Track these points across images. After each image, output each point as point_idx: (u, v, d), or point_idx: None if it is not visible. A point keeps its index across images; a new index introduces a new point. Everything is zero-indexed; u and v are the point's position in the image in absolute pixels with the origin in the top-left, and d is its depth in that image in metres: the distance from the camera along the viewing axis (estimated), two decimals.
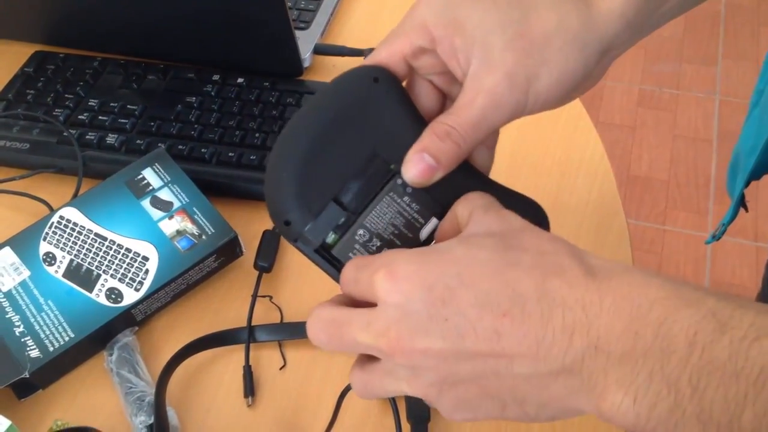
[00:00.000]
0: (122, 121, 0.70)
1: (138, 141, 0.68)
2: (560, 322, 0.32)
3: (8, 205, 0.66)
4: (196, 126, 0.69)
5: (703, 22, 2.13)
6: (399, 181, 0.39)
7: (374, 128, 0.39)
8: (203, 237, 0.60)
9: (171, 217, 0.61)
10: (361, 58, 0.76)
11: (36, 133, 0.69)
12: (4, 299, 0.57)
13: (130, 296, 0.57)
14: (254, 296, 0.60)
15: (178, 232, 0.60)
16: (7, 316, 0.56)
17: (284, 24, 0.69)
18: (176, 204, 0.62)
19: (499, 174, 0.69)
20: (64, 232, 0.60)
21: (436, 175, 0.38)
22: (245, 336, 0.58)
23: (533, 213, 0.42)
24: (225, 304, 0.61)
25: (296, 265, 0.63)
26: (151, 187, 0.63)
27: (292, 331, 0.58)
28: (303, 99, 0.71)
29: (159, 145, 0.67)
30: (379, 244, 0.39)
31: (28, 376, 0.54)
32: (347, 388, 0.52)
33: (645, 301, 0.32)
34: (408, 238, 0.39)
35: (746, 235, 1.64)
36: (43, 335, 0.55)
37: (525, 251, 0.34)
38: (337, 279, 0.39)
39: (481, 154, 0.43)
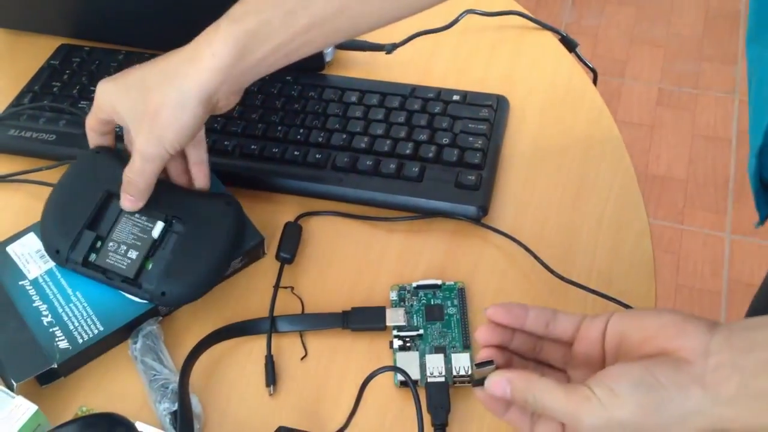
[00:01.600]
0: None
1: None
2: None
3: (35, 195, 0.67)
4: (218, 118, 0.70)
5: (723, 21, 2.11)
6: None
7: (104, 178, 0.59)
8: None
9: None
10: (383, 52, 0.77)
11: (62, 125, 0.70)
12: (31, 287, 0.58)
13: None
14: (276, 287, 0.60)
15: None
16: (34, 305, 0.57)
17: None
18: None
19: (520, 169, 0.69)
20: None
21: (139, 205, 0.58)
22: (267, 326, 0.58)
23: (229, 206, 0.60)
24: (247, 295, 0.61)
25: (317, 257, 0.63)
26: None
27: (313, 322, 0.59)
28: (324, 93, 0.72)
29: None
30: (124, 248, 0.58)
31: (56, 366, 0.54)
32: (369, 377, 0.52)
33: None
34: (144, 238, 0.58)
35: (765, 236, 1.63)
36: (72, 327, 0.56)
37: None
38: (100, 280, 0.58)
39: (178, 166, 0.62)
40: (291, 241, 0.63)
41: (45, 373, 0.55)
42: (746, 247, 1.61)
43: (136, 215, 0.59)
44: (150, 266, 0.57)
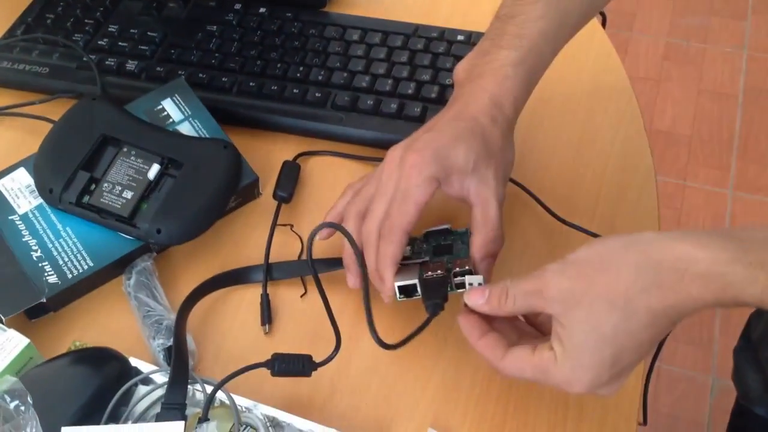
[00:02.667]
0: (142, 47, 0.69)
1: (158, 68, 0.67)
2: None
3: (27, 129, 0.65)
4: (216, 55, 0.68)
5: None
6: (125, 149, 0.58)
7: (101, 123, 0.59)
8: None
9: None
10: None
11: (56, 58, 0.68)
12: (20, 222, 0.57)
13: None
14: (273, 226, 0.59)
15: None
16: (23, 240, 0.56)
17: None
18: None
19: (524, 111, 0.68)
20: None
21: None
22: (270, 274, 0.57)
23: (225, 149, 0.60)
24: (245, 235, 0.60)
25: (316, 197, 0.62)
26: (171, 120, 0.62)
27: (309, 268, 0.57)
28: (326, 31, 0.70)
29: (179, 73, 0.66)
30: (119, 188, 0.57)
31: (45, 300, 0.54)
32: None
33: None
34: (139, 179, 0.57)
35: (767, 192, 1.62)
36: (61, 261, 0.55)
37: (615, 304, 0.42)
38: (93, 220, 0.57)
39: None
40: (289, 180, 0.62)
41: (34, 307, 0.54)
42: (748, 204, 1.60)
43: (132, 158, 0.58)
44: (145, 207, 0.57)
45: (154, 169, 0.58)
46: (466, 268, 0.50)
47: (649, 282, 0.41)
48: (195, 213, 0.57)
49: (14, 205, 0.58)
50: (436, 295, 0.50)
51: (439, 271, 0.51)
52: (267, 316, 0.55)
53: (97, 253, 0.56)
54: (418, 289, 0.50)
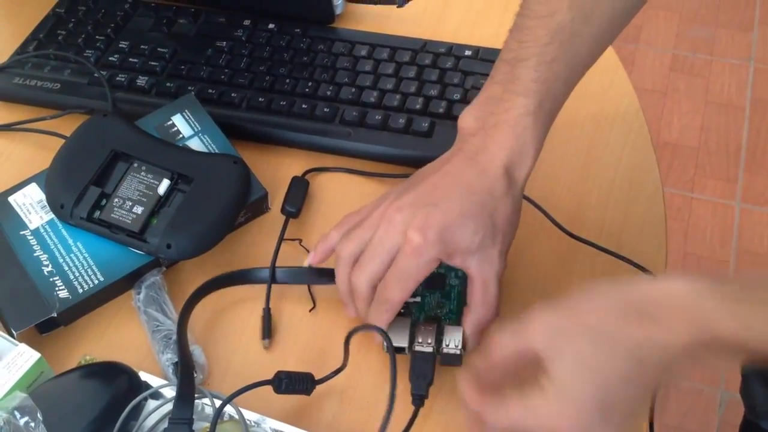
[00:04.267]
0: (153, 63, 0.69)
1: (168, 84, 0.68)
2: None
3: (39, 144, 0.66)
4: (226, 70, 0.69)
5: None
6: (135, 164, 0.59)
7: (112, 139, 0.60)
8: None
9: None
10: (394, 6, 0.75)
11: (67, 74, 0.69)
12: (32, 237, 0.57)
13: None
14: (280, 240, 0.60)
15: None
16: (35, 254, 0.57)
17: None
18: None
19: None
20: None
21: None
22: (265, 275, 0.57)
23: (235, 164, 0.60)
24: (253, 249, 0.61)
25: (324, 212, 0.63)
26: (181, 135, 0.63)
27: (314, 277, 0.57)
28: (334, 46, 0.70)
29: (189, 89, 0.67)
30: (130, 203, 0.57)
31: (56, 315, 0.54)
32: (351, 333, 0.51)
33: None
34: (149, 194, 0.58)
35: None
36: (72, 277, 0.56)
37: (601, 334, 0.41)
38: (104, 235, 0.57)
39: None
40: (297, 195, 0.62)
41: (45, 321, 0.54)
42: (756, 217, 1.60)
43: (142, 174, 0.59)
44: (155, 222, 0.57)
45: (164, 185, 0.58)
46: (456, 350, 0.52)
47: (631, 311, 0.41)
48: (204, 228, 0.57)
49: (26, 221, 0.58)
50: (423, 372, 0.51)
51: (429, 341, 0.52)
52: (267, 330, 0.56)
53: (107, 268, 0.56)
54: (406, 351, 0.52)
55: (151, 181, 0.59)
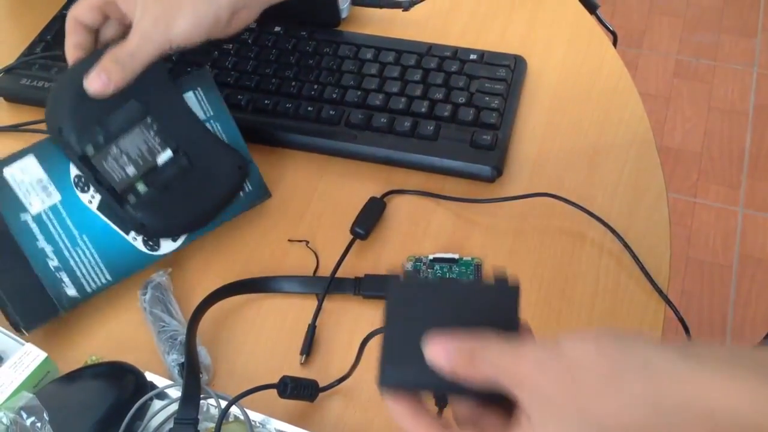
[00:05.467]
0: None
1: None
2: None
3: None
4: (232, 73, 0.69)
5: None
6: (149, 120, 0.55)
7: (139, 83, 0.53)
8: (240, 194, 0.60)
9: None
10: (400, 9, 0.75)
11: None
12: (34, 224, 0.54)
13: (167, 246, 0.58)
14: (342, 257, 0.58)
15: None
16: (38, 245, 0.53)
17: None
18: None
19: (536, 131, 0.68)
20: None
21: (109, 89, 0.51)
22: (277, 285, 0.58)
23: (239, 169, 0.59)
24: (259, 248, 0.61)
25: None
26: None
27: (326, 286, 0.58)
28: (340, 49, 0.71)
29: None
30: (125, 159, 0.54)
31: (63, 315, 0.54)
32: (369, 336, 0.51)
33: None
34: (147, 159, 0.55)
35: None
36: (79, 274, 0.55)
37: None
38: (87, 177, 0.54)
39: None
40: (370, 216, 0.61)
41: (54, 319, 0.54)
42: (759, 222, 1.60)
43: (152, 133, 0.55)
44: (140, 187, 0.55)
45: (165, 155, 0.56)
46: None
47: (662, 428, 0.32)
48: (183, 218, 0.57)
49: (26, 203, 0.54)
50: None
51: None
52: (308, 345, 0.55)
53: (115, 267, 0.56)
54: None
55: (155, 145, 0.55)
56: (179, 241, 0.58)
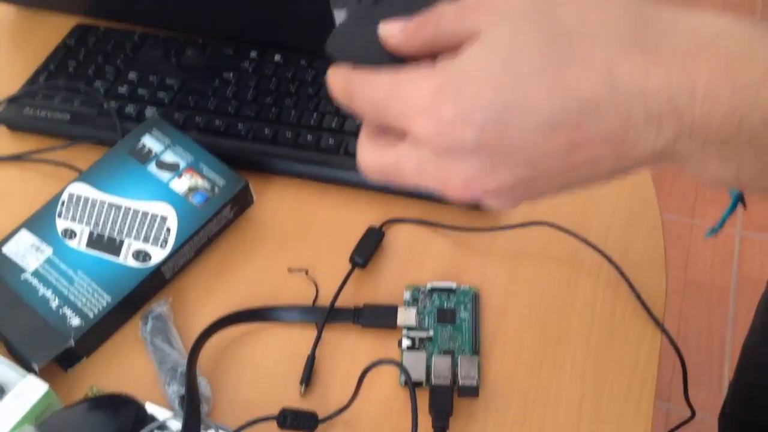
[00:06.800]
0: (161, 94, 0.71)
1: (176, 115, 0.69)
2: (642, 115, 0.28)
3: (48, 174, 0.67)
4: (233, 102, 0.70)
5: (740, 13, 2.10)
6: None
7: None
8: (216, 189, 0.61)
9: (180, 176, 0.62)
10: None
11: (77, 105, 0.70)
12: (33, 278, 0.58)
13: (158, 254, 0.59)
14: (341, 286, 0.59)
15: (190, 189, 0.61)
16: (39, 295, 0.57)
17: (323, 2, 0.69)
18: (182, 164, 0.63)
19: None
20: (78, 206, 0.61)
21: None
22: (278, 315, 0.58)
23: None
24: (259, 277, 0.61)
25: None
26: (153, 152, 0.64)
27: (325, 315, 0.58)
28: None
29: (196, 120, 0.68)
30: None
31: (73, 344, 0.55)
32: (369, 367, 0.52)
33: (750, 83, 0.27)
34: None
35: None
36: (80, 304, 0.56)
37: (570, 36, 0.29)
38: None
39: None
40: (369, 245, 0.62)
41: (66, 355, 0.55)
42: (756, 244, 1.61)
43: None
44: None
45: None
46: (473, 382, 0.53)
47: (639, 32, 0.29)
48: None
49: (23, 265, 0.59)
50: (443, 404, 0.52)
51: (446, 374, 0.53)
52: (308, 376, 0.55)
53: (112, 287, 0.57)
54: (423, 385, 0.54)
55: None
56: (168, 249, 0.59)
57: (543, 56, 0.29)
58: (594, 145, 0.29)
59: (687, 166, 0.30)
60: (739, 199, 0.65)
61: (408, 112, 0.31)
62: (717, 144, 0.28)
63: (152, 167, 0.63)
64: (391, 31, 0.33)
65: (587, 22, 0.29)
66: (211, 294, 0.60)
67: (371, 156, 0.35)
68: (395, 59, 0.34)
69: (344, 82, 0.35)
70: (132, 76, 0.72)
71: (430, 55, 0.32)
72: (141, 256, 0.59)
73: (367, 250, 0.61)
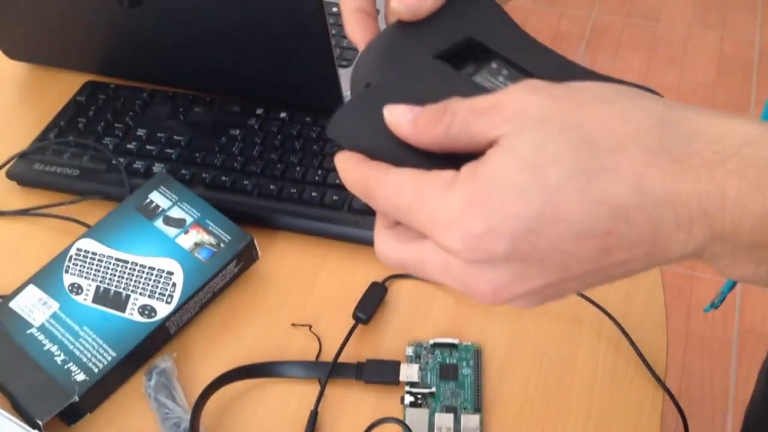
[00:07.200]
0: (168, 151, 0.72)
1: (183, 171, 0.70)
2: (674, 221, 0.29)
3: (57, 229, 0.68)
4: (239, 158, 0.71)
5: (736, 67, 2.13)
6: (494, 65, 0.38)
7: (473, 20, 0.38)
8: (221, 245, 0.62)
9: (186, 232, 0.63)
10: None
11: (86, 160, 0.72)
12: (39, 333, 0.59)
13: (163, 309, 0.59)
14: (344, 342, 0.59)
15: (197, 245, 0.62)
16: (45, 349, 0.58)
17: (328, 61, 0.71)
18: (189, 220, 0.64)
19: None
20: (85, 262, 0.62)
21: (428, 3, 0.37)
22: (279, 369, 0.59)
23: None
24: (263, 332, 0.62)
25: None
26: (161, 209, 0.65)
27: (327, 371, 0.58)
28: None
29: (203, 176, 0.69)
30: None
31: (78, 400, 0.55)
32: (373, 424, 0.52)
33: None
34: None
35: None
36: (85, 359, 0.57)
37: (596, 145, 0.29)
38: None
39: None
40: (372, 301, 0.62)
41: (70, 410, 0.55)
42: (758, 296, 1.61)
43: (500, 79, 0.38)
44: None
45: None
46: None
47: (665, 140, 0.29)
48: None
49: (30, 320, 0.59)
50: None
51: (449, 430, 0.54)
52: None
53: (117, 343, 0.58)
54: None
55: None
56: (173, 304, 0.59)
57: (570, 166, 0.29)
58: (625, 250, 0.30)
59: (716, 264, 0.31)
60: None
61: (435, 223, 0.31)
62: (747, 248, 0.29)
63: (159, 223, 0.64)
64: (399, 120, 0.33)
65: (612, 130, 0.29)
66: (215, 349, 0.61)
67: (391, 249, 0.35)
68: (405, 148, 0.33)
69: (361, 179, 0.33)
70: (141, 132, 0.74)
71: (440, 150, 0.32)
72: (146, 311, 0.59)
73: (371, 305, 0.62)
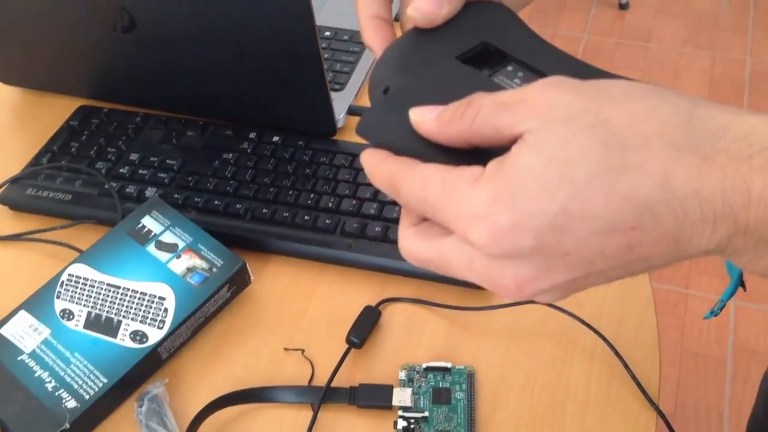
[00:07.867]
0: (161, 175, 0.72)
1: (176, 195, 0.70)
2: (699, 216, 0.29)
3: (50, 253, 0.68)
4: (231, 182, 0.71)
5: (728, 88, 2.15)
6: (510, 68, 0.38)
7: (488, 26, 0.39)
8: (214, 270, 0.62)
9: (179, 257, 0.63)
10: None
11: (78, 185, 0.72)
12: (30, 359, 0.58)
13: (155, 335, 0.59)
14: (338, 367, 0.59)
15: (189, 269, 0.62)
16: (36, 375, 0.57)
17: (320, 85, 0.71)
18: (181, 244, 0.64)
19: None
20: (76, 287, 0.62)
21: (444, 10, 0.38)
22: (272, 395, 0.58)
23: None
24: (256, 356, 0.62)
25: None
26: (153, 233, 0.65)
27: (320, 396, 0.58)
28: (336, 158, 0.73)
29: (196, 200, 0.70)
30: None
31: (68, 427, 0.55)
32: None
33: None
34: None
35: None
36: (76, 386, 0.57)
37: (623, 143, 0.29)
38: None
39: None
40: (365, 325, 0.62)
41: None
42: (752, 314, 1.61)
43: (517, 81, 0.37)
44: None
45: None
46: None
47: (691, 137, 0.29)
48: None
49: (21, 346, 0.59)
50: None
51: None
52: None
53: (108, 369, 0.58)
54: None
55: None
56: (165, 329, 0.59)
57: (597, 163, 0.29)
58: (650, 245, 0.30)
59: (739, 259, 0.31)
60: (739, 281, 0.66)
61: (461, 218, 0.31)
62: None
63: (151, 248, 0.64)
64: (423, 117, 0.33)
65: (638, 127, 0.30)
66: (207, 374, 0.61)
67: (416, 246, 0.35)
68: (431, 146, 0.34)
69: (388, 174, 0.34)
70: (133, 156, 0.74)
71: (465, 144, 0.33)
72: (138, 336, 0.59)
73: (364, 329, 0.62)
